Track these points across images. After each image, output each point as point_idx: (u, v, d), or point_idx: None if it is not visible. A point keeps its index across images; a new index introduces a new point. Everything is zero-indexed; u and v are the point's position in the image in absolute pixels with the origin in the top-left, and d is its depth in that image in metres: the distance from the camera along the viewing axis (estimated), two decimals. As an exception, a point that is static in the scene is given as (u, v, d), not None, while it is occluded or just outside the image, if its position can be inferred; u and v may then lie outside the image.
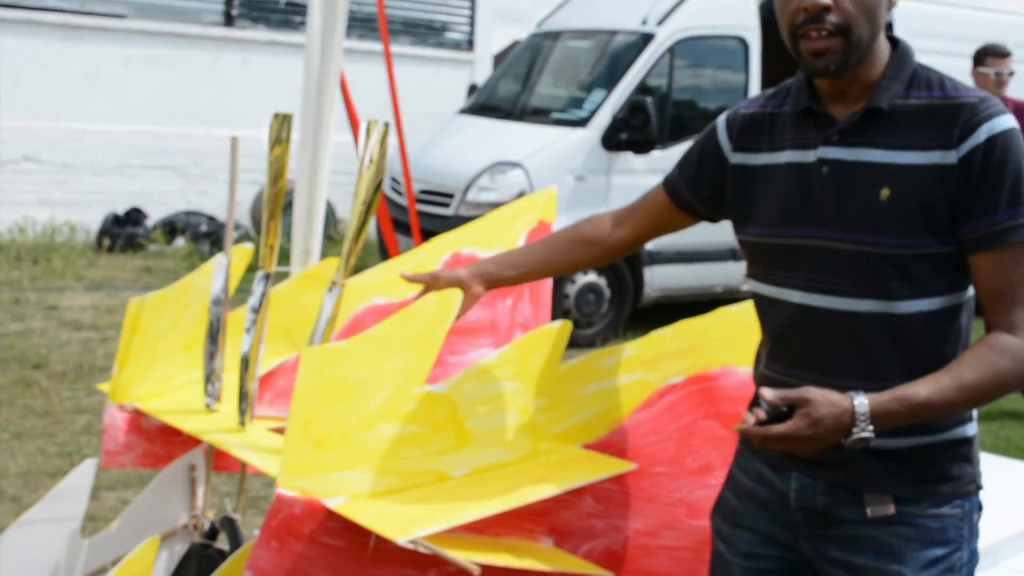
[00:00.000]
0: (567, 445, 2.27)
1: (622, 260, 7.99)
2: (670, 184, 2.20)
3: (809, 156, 1.90)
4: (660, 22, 8.33)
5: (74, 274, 9.11)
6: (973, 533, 1.92)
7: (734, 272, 8.52)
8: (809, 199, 1.88)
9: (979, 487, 1.94)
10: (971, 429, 1.92)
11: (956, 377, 1.75)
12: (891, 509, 1.88)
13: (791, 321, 1.93)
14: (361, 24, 11.44)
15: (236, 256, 2.66)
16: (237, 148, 2.44)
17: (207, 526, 2.60)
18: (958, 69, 8.82)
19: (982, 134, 1.77)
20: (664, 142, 8.16)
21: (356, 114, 4.17)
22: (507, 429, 2.18)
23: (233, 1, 11.29)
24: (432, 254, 3.14)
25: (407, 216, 5.54)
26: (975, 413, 1.93)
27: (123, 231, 10.19)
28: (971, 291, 1.89)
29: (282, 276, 2.88)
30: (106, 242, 10.11)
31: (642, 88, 8.08)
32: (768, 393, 1.74)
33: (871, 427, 1.73)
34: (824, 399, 1.72)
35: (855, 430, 1.72)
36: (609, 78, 8.32)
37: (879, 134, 1.83)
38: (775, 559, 2.03)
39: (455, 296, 2.18)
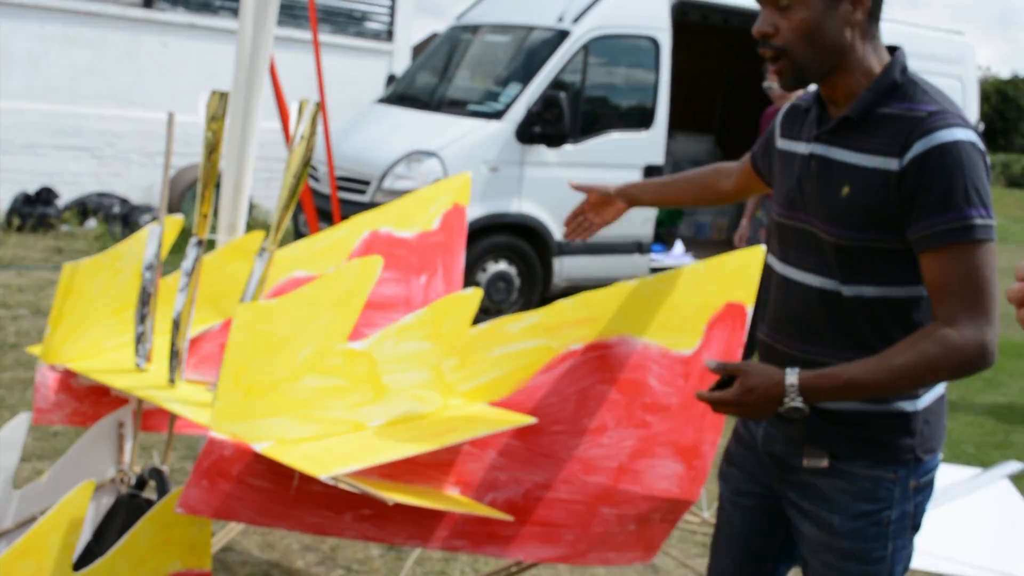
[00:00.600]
0: (474, 402, 2.47)
1: (531, 250, 8.24)
2: (753, 154, 2.54)
3: (806, 149, 2.20)
4: (576, 20, 8.53)
5: (-17, 252, 9.04)
6: (905, 496, 2.17)
7: (639, 264, 8.79)
8: (802, 186, 2.18)
9: (919, 458, 2.17)
10: (915, 405, 2.16)
11: (886, 360, 2.00)
12: (825, 463, 2.17)
13: (777, 289, 2.26)
14: (284, 11, 11.46)
15: (167, 226, 2.80)
16: (173, 123, 2.59)
17: (134, 480, 2.74)
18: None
19: (924, 144, 1.99)
20: (576, 136, 8.35)
21: (285, 100, 4.31)
22: (420, 385, 2.37)
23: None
24: (351, 232, 3.31)
25: (326, 203, 5.68)
26: (928, 392, 2.17)
27: (34, 211, 10.09)
28: (922, 287, 2.10)
29: (210, 244, 3.03)
30: (16, 221, 10.01)
31: (557, 83, 8.26)
32: (710, 364, 2.06)
33: (800, 399, 2.00)
34: (758, 371, 2.03)
35: (786, 400, 2.01)
36: (525, 73, 8.49)
37: (851, 137, 2.10)
38: (757, 496, 2.37)
39: (375, 263, 2.36)
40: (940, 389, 2.23)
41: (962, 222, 1.97)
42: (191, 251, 2.59)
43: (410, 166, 7.93)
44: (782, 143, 2.33)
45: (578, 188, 2.84)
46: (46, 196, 10.28)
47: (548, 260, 8.36)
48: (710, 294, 2.68)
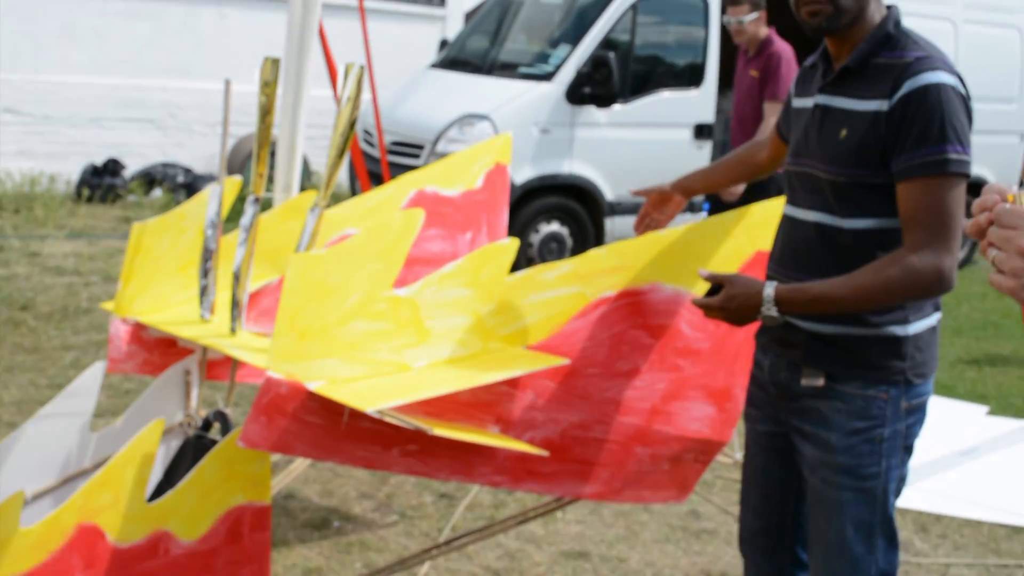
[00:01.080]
0: (512, 345, 2.63)
1: (583, 211, 8.36)
2: (778, 124, 2.73)
3: (811, 102, 2.42)
4: (625, -21, 8.59)
5: (55, 223, 9.33)
6: (897, 415, 2.36)
7: (691, 222, 8.83)
8: (808, 135, 2.40)
9: (909, 381, 2.36)
10: (905, 330, 2.35)
11: (852, 279, 2.24)
12: (820, 382, 2.38)
13: (782, 228, 2.50)
14: (334, -21, 11.64)
15: (227, 186, 2.99)
16: (230, 90, 2.78)
17: (200, 422, 2.95)
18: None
19: (910, 85, 2.22)
20: (626, 96, 8.42)
21: (334, 64, 4.48)
22: (461, 329, 2.54)
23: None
24: (399, 190, 3.48)
25: (379, 167, 5.88)
26: (918, 319, 2.35)
27: (102, 182, 10.40)
28: None
29: (267, 203, 3.22)
30: (85, 192, 10.33)
31: (606, 44, 8.32)
32: (702, 272, 2.37)
33: (775, 308, 2.26)
34: (741, 282, 2.31)
35: (763, 308, 2.27)
36: (574, 34, 8.57)
37: (850, 86, 2.33)
38: (772, 434, 2.58)
39: (418, 215, 2.53)
40: (932, 320, 2.40)
41: (936, 156, 2.19)
42: (249, 208, 2.78)
43: (462, 129, 8.08)
44: (796, 102, 2.53)
45: (637, 193, 3.09)
46: (113, 167, 10.58)
47: (600, 220, 8.45)
48: (740, 242, 2.82)
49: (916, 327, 2.36)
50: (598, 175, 8.32)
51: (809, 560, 2.52)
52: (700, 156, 8.80)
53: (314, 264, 2.30)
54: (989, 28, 10.25)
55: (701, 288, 2.83)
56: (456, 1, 13.21)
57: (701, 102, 8.83)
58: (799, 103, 2.51)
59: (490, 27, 9.81)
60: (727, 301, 2.31)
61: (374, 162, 8.11)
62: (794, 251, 2.43)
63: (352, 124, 2.62)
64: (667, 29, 9.10)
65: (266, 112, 2.76)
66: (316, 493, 4.37)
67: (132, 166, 10.92)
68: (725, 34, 8.96)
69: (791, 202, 2.48)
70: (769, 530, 2.65)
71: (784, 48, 6.46)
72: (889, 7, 2.38)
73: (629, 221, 8.46)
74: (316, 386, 2.25)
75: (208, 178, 10.75)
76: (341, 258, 2.34)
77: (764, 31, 6.56)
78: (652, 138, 8.55)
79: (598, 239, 8.45)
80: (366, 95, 5.41)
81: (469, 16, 13.43)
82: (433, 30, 12.76)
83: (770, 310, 2.27)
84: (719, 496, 4.54)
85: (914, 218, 2.21)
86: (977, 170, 10.43)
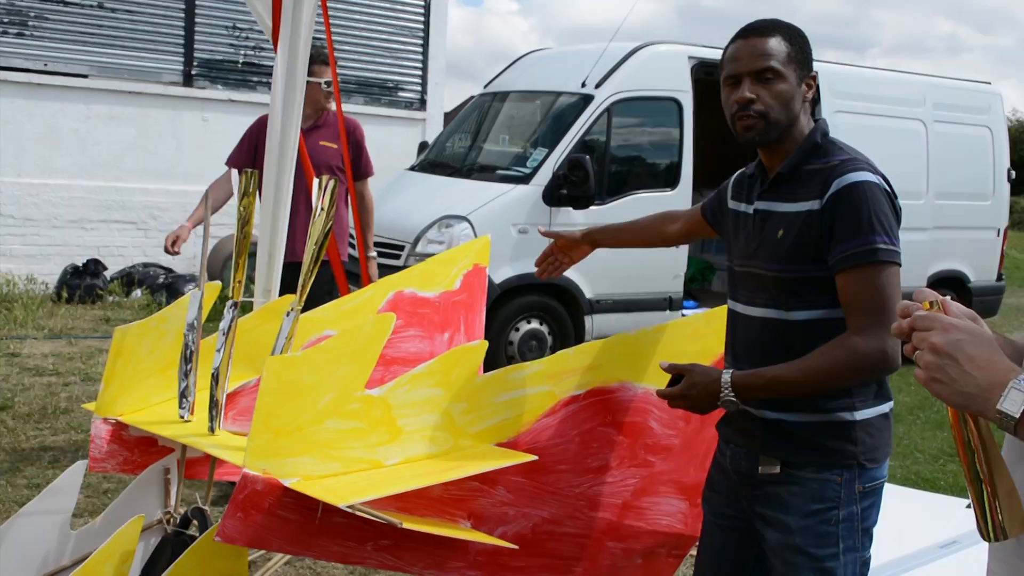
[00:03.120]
0: (482, 442, 2.71)
1: (562, 309, 8.47)
2: (704, 206, 2.96)
3: (751, 208, 2.63)
4: (598, 84, 8.83)
5: (34, 323, 9.39)
6: (852, 498, 2.49)
7: (670, 320, 8.96)
8: (750, 238, 2.60)
9: (862, 465, 2.49)
10: (852, 416, 2.50)
11: (802, 363, 2.41)
12: (777, 468, 2.52)
13: (732, 324, 2.66)
14: (316, 84, 11.89)
15: (207, 291, 3.08)
16: (208, 198, 2.90)
17: (179, 520, 3.00)
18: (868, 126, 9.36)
19: (838, 184, 2.42)
20: (603, 197, 8.59)
21: (312, 171, 4.62)
22: (432, 427, 2.61)
23: (192, 61, 11.74)
24: (377, 293, 3.57)
25: (358, 267, 5.99)
26: (866, 406, 2.49)
27: (82, 282, 10.49)
28: None
29: (247, 307, 3.31)
30: (65, 293, 10.41)
31: (582, 146, 8.53)
32: (663, 364, 2.55)
33: (733, 394, 2.44)
34: (699, 371, 2.50)
35: (722, 395, 2.44)
36: (551, 137, 8.79)
37: (783, 191, 2.54)
38: (733, 517, 2.68)
39: (390, 319, 2.62)
40: (882, 407, 2.54)
41: (867, 247, 2.38)
42: (227, 313, 2.87)
43: (441, 230, 8.21)
44: (733, 204, 2.73)
45: (546, 234, 3.25)
46: (94, 268, 10.68)
47: (580, 318, 8.57)
48: (709, 343, 2.93)
49: (864, 413, 2.50)
50: (577, 274, 8.45)
51: None
52: (677, 254, 8.95)
53: (289, 366, 2.38)
54: (960, 127, 10.54)
55: None
56: (436, 105, 13.51)
57: (677, 202, 8.97)
58: (737, 206, 2.70)
59: (467, 130, 10.03)
60: (688, 389, 2.47)
61: (355, 262, 8.22)
62: (746, 345, 2.58)
63: (327, 234, 2.73)
64: (642, 130, 9.34)
65: (244, 222, 2.87)
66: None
67: (113, 267, 11.02)
68: (699, 135, 9.22)
69: (737, 299, 2.65)
70: None
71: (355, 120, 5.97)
72: (816, 119, 2.61)
73: (609, 319, 8.61)
74: (291, 482, 2.32)
75: (189, 278, 10.85)
76: (315, 360, 2.42)
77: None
78: (629, 238, 8.64)
79: (578, 336, 8.54)
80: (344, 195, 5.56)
81: (449, 116, 13.72)
82: (414, 133, 13.02)
83: (728, 395, 2.43)
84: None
85: (854, 305, 2.39)
86: (956, 264, 10.63)
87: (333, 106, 5.77)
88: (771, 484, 2.53)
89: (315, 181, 2.71)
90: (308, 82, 5.53)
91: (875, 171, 2.46)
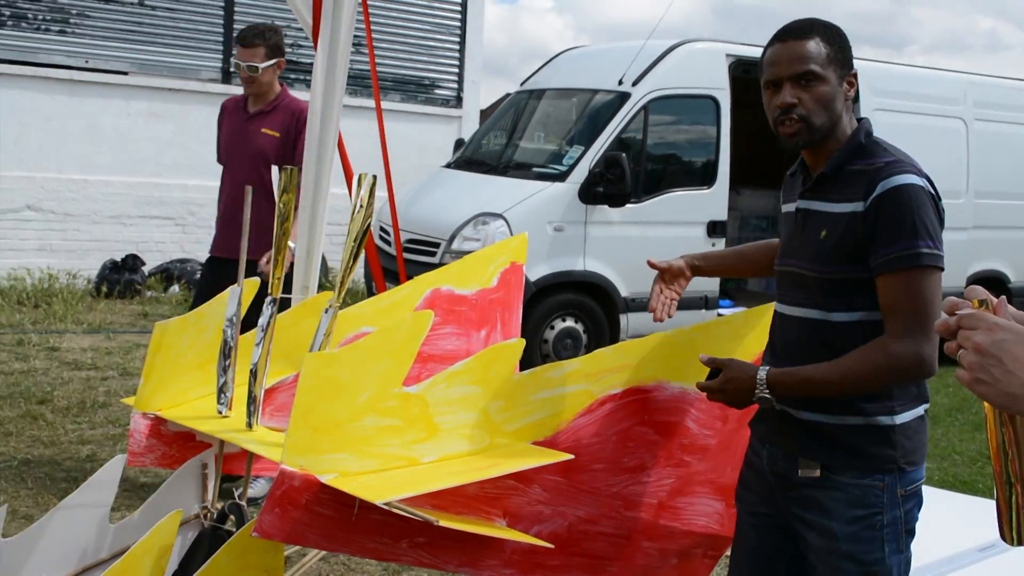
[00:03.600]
0: (519, 441, 2.71)
1: (598, 307, 8.45)
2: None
3: (793, 206, 2.63)
4: (635, 82, 8.80)
5: (74, 318, 9.48)
6: (894, 502, 2.48)
7: (706, 319, 8.91)
8: (792, 237, 2.60)
9: (902, 468, 2.48)
10: (892, 420, 2.48)
11: (838, 364, 2.40)
12: (817, 472, 2.50)
13: (779, 325, 2.65)
14: (354, 81, 11.95)
15: (246, 287, 3.10)
16: (249, 194, 2.90)
17: (216, 514, 3.02)
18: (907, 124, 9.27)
19: (883, 187, 2.41)
20: (639, 195, 8.59)
21: (351, 169, 4.63)
22: (469, 425, 2.61)
23: (231, 59, 11.81)
24: (415, 291, 3.57)
25: (395, 264, 6.01)
26: (904, 410, 2.48)
27: (121, 277, 10.59)
28: None
29: (285, 303, 3.33)
30: (104, 288, 10.50)
31: (618, 144, 8.51)
32: (703, 357, 2.56)
33: (768, 391, 2.44)
34: (737, 366, 2.51)
35: (756, 391, 2.45)
36: (587, 135, 8.77)
37: (826, 191, 2.53)
38: (768, 516, 2.66)
39: (428, 316, 2.62)
40: (919, 410, 2.52)
41: (910, 250, 2.36)
42: (266, 309, 2.89)
43: (477, 228, 8.22)
44: (784, 207, 2.72)
45: (652, 265, 3.12)
46: (132, 263, 10.78)
47: (615, 316, 8.56)
48: (748, 343, 2.91)
49: (903, 417, 2.49)
50: (612, 272, 8.45)
51: None
52: (712, 253, 8.86)
53: (327, 362, 2.39)
54: (1001, 126, 10.43)
55: None
56: (472, 102, 13.51)
57: (714, 200, 8.98)
58: (786, 207, 2.70)
59: (504, 128, 10.03)
60: (725, 383, 2.49)
61: (390, 259, 8.25)
62: (786, 345, 2.58)
63: (366, 230, 2.73)
64: (679, 128, 9.31)
65: (284, 219, 2.88)
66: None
67: (151, 262, 11.11)
68: (737, 132, 9.16)
69: (780, 300, 2.65)
70: None
71: (304, 105, 5.18)
72: (860, 119, 2.59)
73: (644, 317, 8.52)
74: (328, 479, 2.32)
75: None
76: (353, 357, 2.43)
77: (278, 83, 5.61)
78: (665, 235, 8.68)
79: (613, 335, 8.52)
80: (382, 193, 5.56)
81: (484, 113, 13.73)
82: (450, 130, 13.04)
83: (763, 392, 2.44)
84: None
85: (894, 309, 2.38)
86: (996, 264, 10.50)
87: (277, 86, 5.57)
88: (810, 487, 2.52)
89: (354, 177, 2.71)
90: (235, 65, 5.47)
91: (920, 173, 2.44)
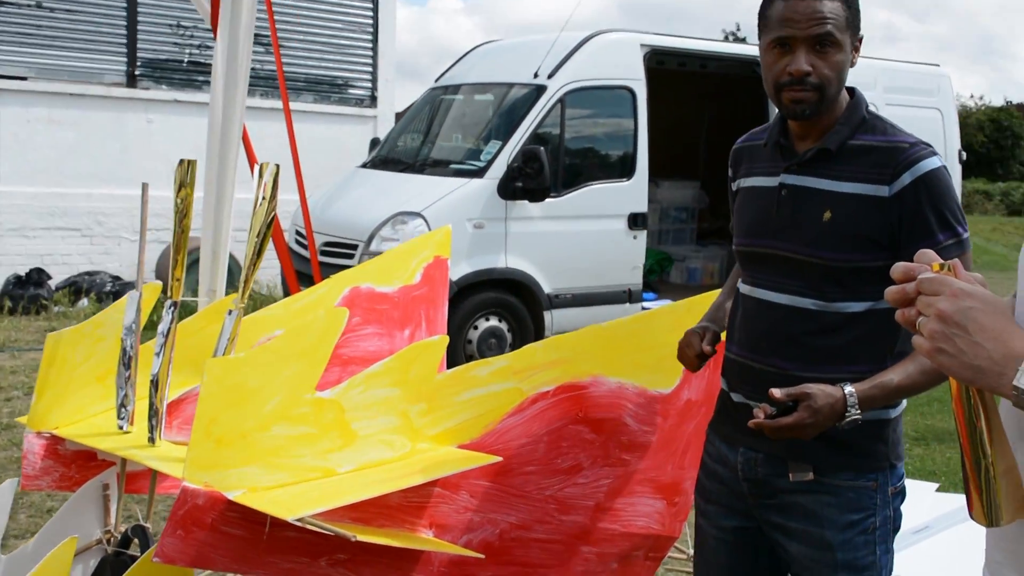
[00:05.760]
0: (443, 445, 2.54)
1: (521, 305, 8.31)
2: (731, 226, 2.62)
3: (774, 181, 2.37)
4: (551, 74, 8.68)
5: (-23, 335, 9.11)
6: (886, 502, 2.32)
7: (631, 313, 8.84)
8: (771, 216, 2.35)
9: (892, 464, 2.32)
10: (889, 413, 2.32)
11: (919, 364, 2.16)
12: (810, 475, 2.29)
13: (752, 312, 2.39)
14: (265, 82, 11.69)
15: (146, 292, 2.88)
16: (147, 192, 2.69)
17: (119, 539, 2.80)
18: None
19: (913, 174, 2.20)
20: (558, 189, 8.45)
21: (255, 159, 4.41)
22: (389, 431, 2.44)
23: (135, 61, 11.45)
24: (332, 290, 3.39)
25: (311, 268, 5.82)
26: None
27: (25, 292, 10.19)
28: None
29: (191, 309, 3.12)
30: (7, 303, 10.11)
31: (536, 138, 8.39)
32: (777, 392, 2.12)
33: (859, 410, 2.12)
34: (821, 392, 2.12)
35: (847, 415, 2.11)
36: (504, 129, 8.62)
37: (827, 167, 2.29)
38: (739, 529, 2.45)
39: (342, 313, 2.44)
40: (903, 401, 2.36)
41: (956, 239, 2.20)
42: (166, 313, 2.68)
43: (395, 227, 8.03)
44: (742, 182, 2.50)
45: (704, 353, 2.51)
46: (37, 277, 10.39)
47: (539, 314, 8.41)
48: None
49: (898, 409, 2.35)
50: (534, 268, 8.31)
51: None
52: (635, 246, 8.83)
53: (231, 368, 2.20)
54: (910, 110, 10.56)
55: (648, 380, 2.76)
56: (387, 102, 13.30)
57: (634, 192, 8.89)
58: (748, 182, 2.47)
59: (419, 125, 9.86)
60: (811, 416, 2.09)
61: (307, 263, 8.03)
62: (766, 335, 2.35)
63: (270, 224, 2.54)
64: (597, 120, 9.22)
65: (183, 215, 2.68)
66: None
67: (58, 276, 10.72)
68: (657, 125, 9.10)
69: (751, 283, 2.41)
70: None
71: None
72: (852, 89, 2.38)
73: (568, 313, 8.46)
74: (235, 495, 2.14)
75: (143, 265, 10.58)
76: (260, 361, 2.24)
77: None
78: (587, 229, 8.58)
79: (538, 333, 8.40)
80: (294, 196, 5.34)
81: (400, 117, 13.53)
82: (365, 130, 12.81)
83: (854, 414, 2.11)
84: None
85: None
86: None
87: None
88: (794, 493, 2.32)
89: (255, 167, 2.51)
90: None
91: (936, 151, 2.27)
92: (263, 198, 2.49)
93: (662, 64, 9.67)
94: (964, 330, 1.25)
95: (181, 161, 2.68)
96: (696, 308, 2.81)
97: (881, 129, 2.30)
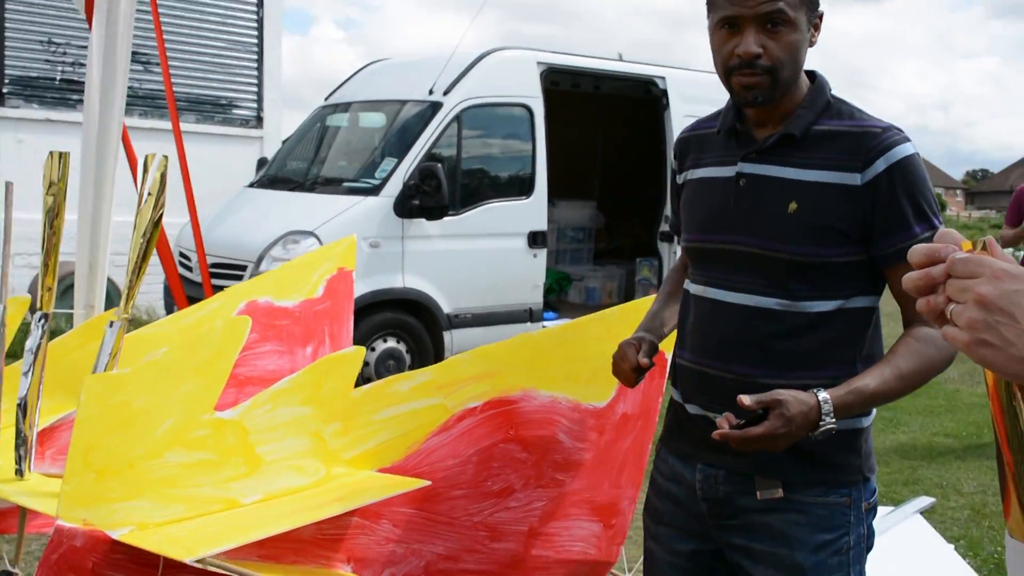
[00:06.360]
0: (361, 469, 2.25)
1: (420, 325, 8.04)
2: (673, 224, 2.38)
3: (730, 171, 2.11)
4: (446, 91, 8.46)
5: None
6: (860, 519, 2.10)
7: (531, 331, 8.62)
8: (728, 208, 2.10)
9: (866, 478, 2.11)
10: (863, 421, 2.10)
11: (895, 368, 1.96)
12: (779, 492, 2.06)
13: (708, 315, 2.14)
14: (144, 101, 11.21)
15: (11, 307, 2.54)
16: (11, 192, 2.36)
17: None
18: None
19: (886, 161, 1.99)
20: (456, 207, 8.24)
21: (136, 158, 4.07)
22: (300, 455, 2.15)
23: (3, 79, 10.86)
24: (225, 304, 3.09)
25: (201, 292, 5.46)
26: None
27: None
28: (872, 297, 2.09)
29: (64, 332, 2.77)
30: None
31: (433, 156, 8.15)
32: (746, 399, 1.88)
33: (833, 418, 1.90)
34: (793, 399, 1.89)
35: (821, 423, 1.90)
36: (400, 147, 8.36)
37: (791, 155, 2.06)
38: (695, 554, 2.22)
39: (244, 323, 2.15)
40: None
41: (934, 230, 1.99)
42: (35, 327, 2.34)
43: (287, 247, 7.70)
44: (691, 174, 2.26)
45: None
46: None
47: (438, 334, 8.17)
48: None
49: (870, 418, 2.13)
50: (433, 288, 8.08)
51: None
52: (535, 265, 8.65)
53: (114, 385, 1.88)
54: None
55: (581, 392, 2.52)
56: (273, 123, 12.91)
57: (533, 210, 8.73)
58: (698, 173, 2.23)
59: (310, 143, 9.54)
60: (783, 425, 1.88)
61: (195, 287, 7.64)
62: (726, 339, 2.11)
63: (157, 222, 2.22)
64: (494, 138, 9.02)
65: (55, 215, 2.34)
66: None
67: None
68: (554, 145, 8.94)
69: (705, 282, 2.17)
70: None
71: None
72: (813, 73, 2.16)
73: (469, 333, 8.22)
74: (120, 534, 1.82)
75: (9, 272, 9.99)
76: (148, 377, 1.93)
77: None
78: (486, 247, 8.39)
79: (437, 354, 8.14)
80: (177, 219, 4.97)
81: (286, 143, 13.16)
82: (251, 151, 12.39)
83: (829, 423, 1.91)
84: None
85: None
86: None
87: None
88: (759, 512, 2.09)
89: (140, 160, 2.19)
90: None
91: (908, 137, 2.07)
92: (149, 193, 2.17)
93: (556, 84, 9.53)
94: (1011, 317, 1.05)
95: (51, 153, 2.35)
96: (628, 316, 2.60)
97: (848, 113, 2.09)
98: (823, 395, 1.91)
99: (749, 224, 2.08)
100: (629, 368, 2.20)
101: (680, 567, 2.25)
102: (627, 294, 10.40)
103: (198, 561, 1.76)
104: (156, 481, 1.91)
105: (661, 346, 2.31)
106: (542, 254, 8.73)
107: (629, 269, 10.54)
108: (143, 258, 2.23)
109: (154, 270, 6.10)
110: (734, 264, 2.10)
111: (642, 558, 2.36)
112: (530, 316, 8.68)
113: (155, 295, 9.62)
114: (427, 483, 2.24)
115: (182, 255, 8.43)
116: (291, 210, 8.20)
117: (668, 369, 2.33)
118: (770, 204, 2.06)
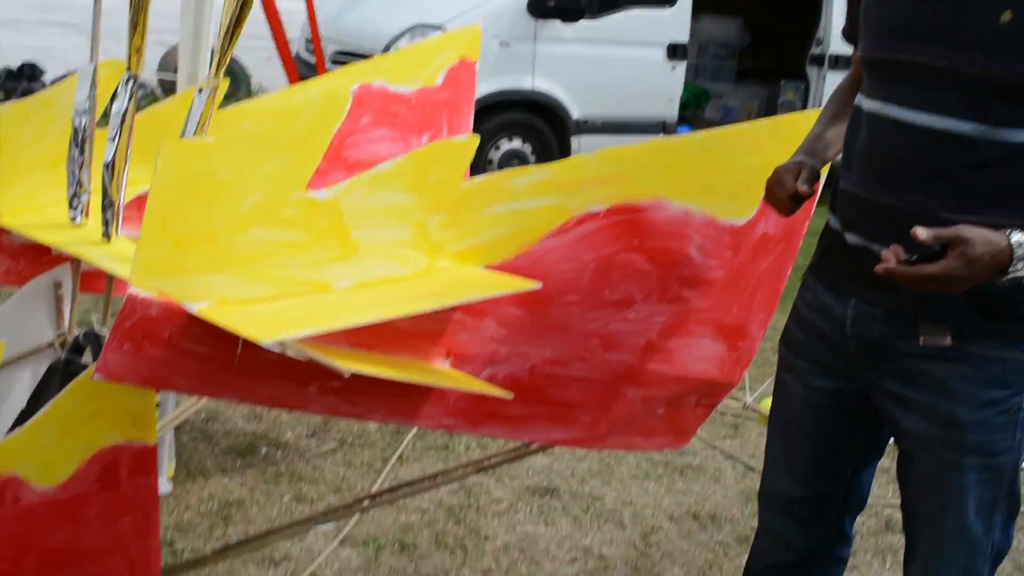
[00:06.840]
0: (467, 264, 2.09)
1: (548, 128, 7.81)
2: (847, 35, 2.09)
3: None
4: None
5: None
6: None
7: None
8: (922, 13, 1.78)
9: None
10: None
11: None
12: (947, 340, 1.82)
13: (884, 135, 1.85)
14: None
15: (104, 70, 2.40)
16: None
17: (72, 344, 2.43)
18: None
19: None
20: (594, 11, 7.86)
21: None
22: (400, 243, 2.00)
23: None
24: (338, 83, 2.92)
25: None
26: None
27: (19, 86, 9.74)
28: None
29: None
30: (1, 95, 9.68)
31: (574, -49, 7.77)
32: (922, 232, 1.62)
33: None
34: (980, 237, 1.62)
35: (1011, 268, 1.64)
36: (538, -59, 7.98)
37: None
38: (836, 393, 2.02)
39: (343, 98, 1.95)
40: None
41: None
42: (122, 90, 2.23)
43: (414, 40, 7.49)
44: None
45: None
46: (31, 72, 9.92)
47: (566, 139, 7.96)
48: (774, 157, 2.21)
49: None
50: (563, 92, 7.81)
51: (909, 543, 2.02)
52: (673, 78, 8.28)
53: (197, 154, 1.72)
54: None
55: (719, 207, 2.29)
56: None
57: (674, 21, 8.26)
58: None
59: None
60: (967, 266, 1.62)
61: (313, 71, 7.53)
62: (906, 164, 1.80)
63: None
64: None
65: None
66: (242, 416, 3.85)
67: (53, 71, 10.23)
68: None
69: (882, 98, 1.85)
70: (813, 500, 2.13)
71: None
72: None
73: (597, 140, 7.95)
74: (200, 308, 1.70)
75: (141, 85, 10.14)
76: (236, 148, 1.78)
77: None
78: (622, 56, 8.00)
79: (562, 158, 7.90)
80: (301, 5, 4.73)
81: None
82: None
83: (1019, 269, 1.65)
84: (704, 429, 4.04)
85: None
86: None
87: None
88: (920, 358, 1.84)
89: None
90: None
91: None
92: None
93: None
94: None
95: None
96: (782, 131, 2.32)
97: None
98: (1017, 238, 1.62)
99: (949, 33, 1.74)
100: (785, 195, 1.94)
101: (815, 403, 2.03)
102: (768, 116, 9.92)
103: (277, 344, 1.62)
104: (239, 258, 1.77)
105: (823, 172, 2.04)
106: (681, 67, 8.33)
107: (773, 90, 9.97)
108: (236, 23, 2.05)
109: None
110: (923, 80, 1.78)
111: (768, 384, 2.16)
112: (663, 128, 8.34)
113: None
114: (538, 285, 2.07)
115: (308, 40, 8.30)
116: (422, 1, 7.96)
117: (829, 194, 2.05)
118: (977, 11, 1.71)
